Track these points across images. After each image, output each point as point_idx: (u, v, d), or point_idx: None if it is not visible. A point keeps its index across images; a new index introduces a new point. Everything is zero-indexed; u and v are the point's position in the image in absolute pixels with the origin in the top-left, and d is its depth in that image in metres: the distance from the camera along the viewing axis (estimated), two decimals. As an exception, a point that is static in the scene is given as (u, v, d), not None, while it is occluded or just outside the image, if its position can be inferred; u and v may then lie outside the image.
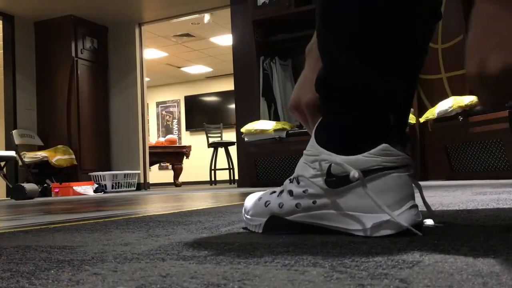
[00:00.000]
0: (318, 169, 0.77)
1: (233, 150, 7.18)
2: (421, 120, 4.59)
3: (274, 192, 0.86)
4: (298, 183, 0.80)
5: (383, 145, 0.73)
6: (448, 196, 1.79)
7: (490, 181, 3.47)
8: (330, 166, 0.76)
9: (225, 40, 8.88)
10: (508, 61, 0.57)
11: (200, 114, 11.94)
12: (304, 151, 0.81)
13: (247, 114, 5.69)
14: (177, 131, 12.44)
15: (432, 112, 4.36)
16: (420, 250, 0.60)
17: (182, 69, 11.10)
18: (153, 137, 11.94)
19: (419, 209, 0.75)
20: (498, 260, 0.51)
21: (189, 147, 8.61)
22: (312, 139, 0.80)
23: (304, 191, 0.79)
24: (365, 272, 0.48)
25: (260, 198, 0.88)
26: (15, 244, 0.88)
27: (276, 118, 5.45)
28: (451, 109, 4.12)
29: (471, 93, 4.20)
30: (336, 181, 0.75)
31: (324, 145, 0.78)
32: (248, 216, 0.90)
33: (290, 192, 0.81)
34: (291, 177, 0.83)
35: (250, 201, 0.92)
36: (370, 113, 0.76)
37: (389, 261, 0.54)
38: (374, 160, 0.73)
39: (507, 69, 0.57)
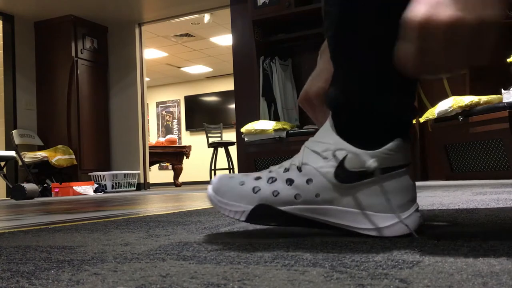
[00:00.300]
0: (330, 159, 0.73)
1: (233, 150, 7.18)
2: (421, 120, 4.59)
3: (260, 178, 0.77)
4: (300, 171, 0.75)
5: (399, 140, 0.72)
6: (448, 196, 1.78)
7: (490, 181, 3.47)
8: (344, 158, 0.72)
9: (225, 40, 8.88)
10: (460, 16, 0.53)
11: (200, 114, 11.95)
12: (311, 138, 0.76)
13: (247, 114, 5.69)
14: (177, 131, 12.44)
15: (432, 112, 4.36)
16: (420, 250, 0.60)
17: (182, 69, 11.10)
18: (153, 137, 11.95)
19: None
20: (498, 260, 0.51)
21: (189, 147, 8.61)
22: (327, 127, 0.75)
23: (307, 181, 0.74)
24: (365, 272, 0.48)
25: (242, 183, 0.78)
26: (15, 244, 0.88)
27: (276, 118, 5.45)
28: (451, 109, 4.12)
29: (471, 93, 4.20)
30: (348, 175, 0.72)
31: (343, 136, 0.74)
32: (223, 200, 0.78)
33: (289, 181, 0.75)
34: (287, 165, 0.77)
35: (222, 181, 0.80)
36: (385, 109, 0.74)
37: (389, 261, 0.54)
38: (392, 158, 0.71)
39: (456, 25, 0.54)
